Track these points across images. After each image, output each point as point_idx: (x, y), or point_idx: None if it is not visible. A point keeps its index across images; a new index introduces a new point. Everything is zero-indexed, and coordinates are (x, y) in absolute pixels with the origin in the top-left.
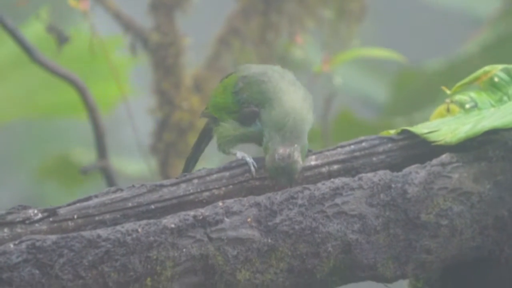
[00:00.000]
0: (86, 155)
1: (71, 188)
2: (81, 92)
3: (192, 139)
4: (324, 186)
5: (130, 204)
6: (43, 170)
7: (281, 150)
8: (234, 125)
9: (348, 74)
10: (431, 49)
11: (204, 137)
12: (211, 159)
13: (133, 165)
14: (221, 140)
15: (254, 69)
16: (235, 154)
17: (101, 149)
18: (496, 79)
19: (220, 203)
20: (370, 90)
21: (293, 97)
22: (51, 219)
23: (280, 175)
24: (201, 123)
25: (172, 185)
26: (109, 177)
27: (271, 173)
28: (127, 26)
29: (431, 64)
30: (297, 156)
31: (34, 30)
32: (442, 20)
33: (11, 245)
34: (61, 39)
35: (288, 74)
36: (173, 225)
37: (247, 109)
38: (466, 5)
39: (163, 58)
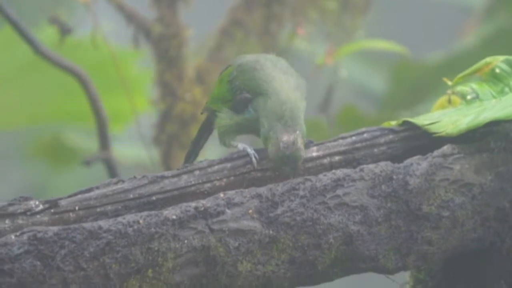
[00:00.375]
0: (77, 140)
1: (63, 170)
2: (84, 83)
3: (194, 131)
4: (326, 178)
5: (131, 196)
6: (35, 150)
7: (285, 138)
8: (229, 114)
9: (347, 66)
10: (425, 41)
11: (204, 131)
12: (213, 150)
13: (136, 154)
14: (220, 131)
15: (248, 58)
16: (236, 146)
17: (103, 140)
18: (497, 70)
19: (222, 195)
20: (369, 82)
21: (287, 85)
22: (52, 210)
23: (285, 164)
24: (203, 115)
25: (173, 176)
26: (111, 168)
27: (276, 162)
28: (130, 17)
29: (431, 57)
30: (300, 143)
31: (47, 35)
32: (432, 10)
33: (13, 237)
34: (64, 31)
35: (281, 62)
36: (174, 217)
37: (239, 96)
38: None
39: (166, 49)
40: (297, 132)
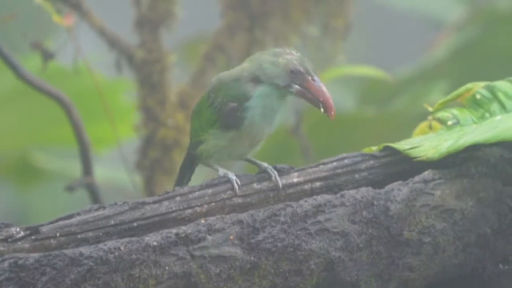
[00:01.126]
0: (44, 158)
1: (29, 189)
2: (66, 108)
3: (177, 156)
4: (307, 203)
5: (112, 222)
6: (2, 170)
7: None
8: (218, 135)
9: None
10: (397, 56)
11: (189, 166)
12: (195, 176)
13: (118, 178)
14: (204, 155)
15: (215, 78)
16: (217, 170)
17: (86, 166)
18: (478, 96)
19: (203, 221)
20: (337, 98)
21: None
22: (33, 237)
23: (307, 64)
24: (187, 140)
25: (154, 202)
26: (94, 194)
27: (302, 65)
28: (112, 43)
29: (401, 71)
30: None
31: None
32: (404, 26)
33: None
34: (47, 56)
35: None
36: (155, 243)
37: (225, 108)
38: (425, 8)
39: (149, 75)
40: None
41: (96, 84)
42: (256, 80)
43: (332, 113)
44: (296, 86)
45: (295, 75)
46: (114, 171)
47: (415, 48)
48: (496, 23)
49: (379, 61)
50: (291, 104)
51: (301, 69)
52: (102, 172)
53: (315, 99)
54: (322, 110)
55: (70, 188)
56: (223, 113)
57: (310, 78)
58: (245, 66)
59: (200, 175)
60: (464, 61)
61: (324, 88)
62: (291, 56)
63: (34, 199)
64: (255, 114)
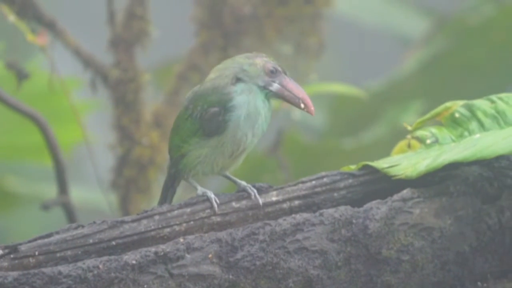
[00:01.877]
0: (19, 183)
1: (3, 215)
2: (42, 128)
3: (152, 174)
4: (285, 222)
5: (91, 241)
6: None
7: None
8: (200, 143)
9: None
10: (367, 72)
11: (170, 186)
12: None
13: (94, 198)
14: (188, 169)
15: (190, 92)
16: (196, 188)
17: (62, 185)
18: (457, 115)
19: (181, 239)
20: (307, 114)
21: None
22: (12, 255)
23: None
24: (162, 158)
25: (133, 221)
26: (69, 213)
27: (277, 63)
28: (87, 62)
29: (370, 86)
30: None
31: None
32: (374, 42)
33: None
34: (21, 76)
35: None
36: (134, 261)
37: (206, 114)
38: (394, 25)
39: (123, 94)
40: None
41: (70, 104)
42: (237, 81)
43: (312, 109)
44: (276, 85)
45: (274, 74)
46: (90, 192)
47: (387, 65)
48: (465, 35)
49: (350, 78)
50: (272, 124)
51: (279, 69)
52: (78, 194)
53: (295, 97)
54: (302, 106)
55: (45, 207)
56: (205, 119)
57: (287, 77)
58: (220, 74)
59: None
60: (433, 73)
61: (300, 87)
62: (264, 58)
63: (10, 223)
64: (240, 115)
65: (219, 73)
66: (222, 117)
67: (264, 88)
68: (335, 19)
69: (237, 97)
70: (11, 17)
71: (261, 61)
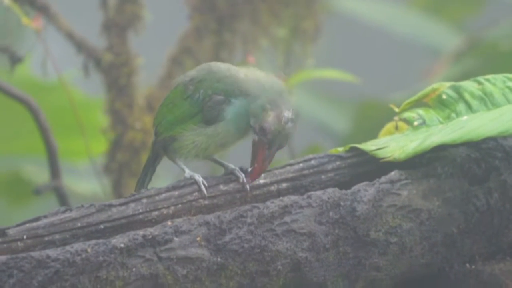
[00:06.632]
0: (37, 174)
1: (21, 205)
2: (34, 112)
3: (145, 158)
4: (273, 205)
5: (79, 224)
6: None
7: (286, 113)
8: (197, 130)
9: (308, 104)
10: (391, 81)
11: (151, 165)
12: (165, 177)
13: (86, 184)
14: (183, 152)
15: (194, 70)
16: (183, 170)
17: (54, 169)
18: (444, 96)
19: (169, 223)
20: (331, 121)
21: (260, 73)
22: (0, 239)
23: (278, 139)
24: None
25: (121, 204)
26: (61, 197)
27: (273, 135)
28: (80, 46)
29: (394, 97)
30: (296, 122)
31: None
32: (403, 52)
33: None
34: (14, 60)
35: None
36: (122, 245)
37: (210, 101)
38: (423, 35)
39: (116, 78)
40: (292, 109)
41: (69, 96)
42: (244, 93)
43: (250, 181)
44: (255, 136)
45: (261, 132)
46: (88, 181)
47: (413, 76)
48: (495, 59)
49: (376, 86)
50: None
51: (268, 136)
52: (75, 184)
53: (254, 159)
54: (249, 169)
55: (37, 191)
56: (207, 105)
57: (267, 146)
58: (235, 71)
59: (165, 177)
60: None
61: (267, 162)
62: (278, 118)
63: (27, 213)
64: (236, 112)
65: (236, 69)
66: (225, 105)
67: (248, 125)
68: (365, 26)
69: (237, 100)
70: (6, 0)
71: (270, 116)
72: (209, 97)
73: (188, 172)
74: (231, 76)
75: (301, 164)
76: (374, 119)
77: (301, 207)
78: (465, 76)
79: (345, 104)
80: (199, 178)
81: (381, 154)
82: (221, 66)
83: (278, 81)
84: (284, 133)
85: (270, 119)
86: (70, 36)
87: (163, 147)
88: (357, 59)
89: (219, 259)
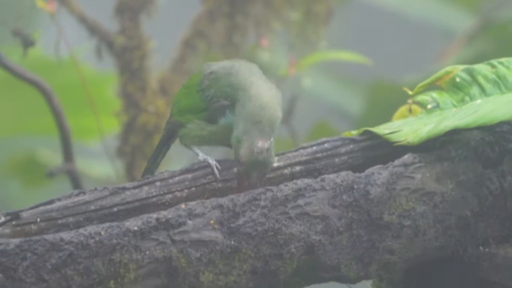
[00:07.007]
0: (51, 157)
1: (35, 187)
2: (47, 95)
3: (158, 142)
4: (287, 188)
5: (92, 207)
6: (8, 168)
7: (259, 144)
8: (201, 125)
9: (322, 86)
10: (404, 63)
11: (164, 143)
12: (178, 160)
13: (100, 167)
14: (186, 140)
15: (220, 65)
16: (197, 154)
17: (67, 152)
18: (457, 80)
19: (183, 205)
20: (344, 102)
21: (265, 90)
22: (14, 222)
23: (254, 169)
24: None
25: (134, 187)
26: (75, 180)
27: (246, 166)
28: (92, 29)
29: (407, 79)
30: (272, 150)
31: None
32: (414, 34)
33: None
34: (27, 43)
35: (255, 68)
36: (136, 228)
37: (216, 103)
38: (437, 18)
39: (129, 61)
40: (271, 139)
41: (80, 73)
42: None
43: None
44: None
45: (237, 163)
46: (101, 165)
47: (426, 57)
48: (507, 40)
49: (389, 68)
50: (287, 90)
51: (242, 167)
52: (88, 167)
53: (238, 186)
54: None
55: (51, 174)
56: (213, 106)
57: (245, 176)
58: (255, 95)
59: (178, 161)
60: None
61: (251, 187)
62: (250, 150)
63: (43, 197)
64: (233, 120)
65: (254, 81)
66: (228, 111)
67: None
68: (378, 9)
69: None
70: None
71: (247, 145)
72: (217, 98)
73: (201, 155)
74: (244, 87)
75: (314, 147)
76: (387, 100)
77: (315, 190)
78: (478, 58)
79: (358, 85)
80: (212, 161)
81: (394, 137)
82: (242, 70)
83: (273, 107)
84: (259, 162)
85: (242, 150)
86: (82, 20)
87: (174, 130)
88: (370, 41)
89: (232, 242)
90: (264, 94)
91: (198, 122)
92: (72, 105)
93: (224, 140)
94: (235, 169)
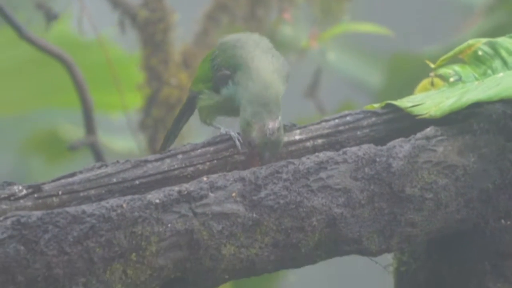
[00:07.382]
0: (74, 131)
1: (58, 163)
2: (69, 68)
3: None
4: (309, 161)
5: (114, 180)
6: (31, 144)
7: (270, 125)
8: (210, 95)
9: (342, 60)
10: (425, 36)
11: (184, 113)
12: (199, 133)
13: (122, 141)
14: (201, 112)
15: (231, 36)
16: (219, 129)
17: (89, 125)
18: (480, 53)
19: (205, 178)
20: (365, 75)
21: (268, 66)
22: (36, 195)
23: (268, 150)
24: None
25: (156, 160)
26: (97, 153)
27: (260, 148)
28: (115, 2)
29: (427, 50)
30: (281, 128)
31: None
32: (435, 6)
33: None
34: (50, 17)
35: (264, 42)
36: (157, 201)
37: (219, 73)
38: None
39: (152, 34)
40: (279, 118)
41: (105, 51)
42: (241, 82)
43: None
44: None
45: (249, 146)
46: (124, 139)
47: (445, 29)
48: None
49: (408, 40)
50: (309, 66)
51: (256, 149)
52: (111, 141)
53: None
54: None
55: (72, 147)
56: (217, 75)
57: (257, 157)
58: (257, 71)
59: (199, 134)
60: None
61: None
62: (262, 131)
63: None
64: (233, 91)
65: (257, 55)
66: (230, 81)
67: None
68: None
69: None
70: None
71: (258, 128)
72: (220, 67)
73: (223, 129)
74: (246, 59)
75: (336, 120)
76: (407, 72)
77: (337, 163)
78: (497, 30)
79: (378, 58)
80: (234, 134)
81: (417, 111)
82: (248, 44)
83: (276, 84)
84: (272, 142)
85: (254, 133)
86: None
87: (192, 101)
88: (390, 14)
89: (254, 215)
90: (267, 69)
91: (207, 92)
92: (98, 83)
93: (229, 111)
94: (246, 150)
